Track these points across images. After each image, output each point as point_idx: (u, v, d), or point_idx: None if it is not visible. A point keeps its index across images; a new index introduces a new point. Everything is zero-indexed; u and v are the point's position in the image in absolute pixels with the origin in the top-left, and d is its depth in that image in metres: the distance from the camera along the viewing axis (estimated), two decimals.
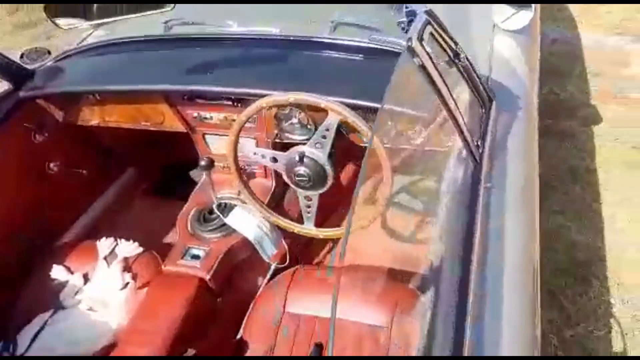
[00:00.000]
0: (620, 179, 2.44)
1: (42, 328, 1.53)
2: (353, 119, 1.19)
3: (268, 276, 1.67)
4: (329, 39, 1.59)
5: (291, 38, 1.63)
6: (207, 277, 1.50)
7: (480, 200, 1.08)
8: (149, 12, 1.30)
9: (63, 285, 1.66)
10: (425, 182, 1.88)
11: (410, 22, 0.91)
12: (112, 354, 1.37)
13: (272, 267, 1.69)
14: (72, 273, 1.68)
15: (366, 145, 1.55)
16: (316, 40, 1.60)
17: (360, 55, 1.53)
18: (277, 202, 1.78)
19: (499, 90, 1.40)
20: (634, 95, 2.96)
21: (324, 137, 1.27)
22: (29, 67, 1.79)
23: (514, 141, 1.30)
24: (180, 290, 1.47)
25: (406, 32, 0.92)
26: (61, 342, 1.48)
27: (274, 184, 1.77)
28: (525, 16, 1.65)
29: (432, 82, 0.93)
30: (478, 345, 0.91)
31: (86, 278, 1.68)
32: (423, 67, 0.88)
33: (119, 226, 2.06)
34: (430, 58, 0.90)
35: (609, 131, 2.72)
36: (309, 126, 1.54)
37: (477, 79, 1.26)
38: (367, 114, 1.31)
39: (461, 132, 1.08)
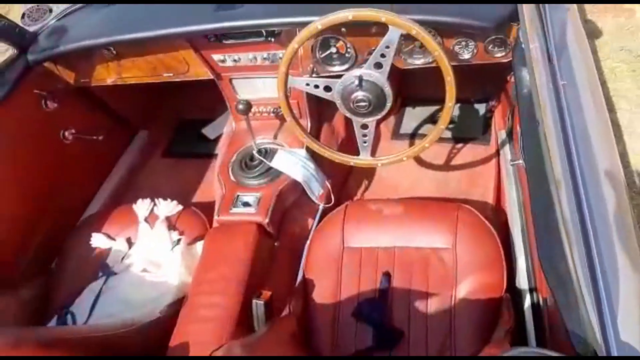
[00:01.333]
0: (632, 86, 2.46)
1: (97, 296, 1.48)
2: (418, 30, 1.14)
3: (318, 217, 1.64)
4: None
5: None
6: (265, 222, 1.46)
7: (562, 97, 1.06)
8: None
9: (107, 252, 1.60)
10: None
11: None
12: (183, 307, 1.32)
13: (321, 208, 1.65)
14: (113, 239, 1.62)
15: (408, 67, 1.50)
16: None
17: None
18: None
19: None
20: (629, 5, 2.96)
21: (383, 55, 1.21)
22: (31, 28, 1.66)
23: (570, 41, 1.28)
24: (240, 236, 1.43)
25: None
26: (120, 306, 1.44)
27: (309, 123, 1.71)
28: None
29: None
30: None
31: (130, 242, 1.63)
32: None
33: (143, 190, 1.99)
34: None
35: (612, 42, 2.72)
36: (347, 54, 1.48)
37: None
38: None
39: (542, 31, 1.05)
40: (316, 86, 1.31)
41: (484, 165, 1.89)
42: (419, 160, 1.97)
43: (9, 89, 1.58)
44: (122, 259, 1.58)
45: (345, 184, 1.93)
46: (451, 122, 2.04)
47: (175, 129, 2.31)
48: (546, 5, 1.31)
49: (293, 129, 1.43)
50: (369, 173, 1.96)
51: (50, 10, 1.68)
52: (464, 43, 1.41)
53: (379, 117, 1.32)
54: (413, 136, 2.08)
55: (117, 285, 1.50)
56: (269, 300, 1.28)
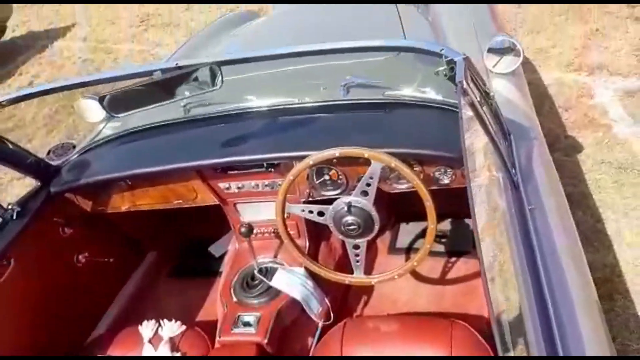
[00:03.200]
0: (616, 197, 2.59)
1: None
2: (396, 163, 1.29)
3: (317, 335, 1.69)
4: (346, 100, 1.72)
5: (310, 104, 1.75)
6: (265, 342, 1.51)
7: (529, 222, 1.17)
8: (196, 93, 1.39)
9: None
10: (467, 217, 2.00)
11: (452, 69, 1.03)
12: None
13: (320, 325, 1.71)
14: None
15: (395, 191, 1.64)
16: (334, 104, 1.73)
17: (378, 111, 1.66)
18: (313, 259, 1.83)
19: (510, 125, 1.53)
20: (605, 121, 3.20)
21: (368, 184, 1.36)
22: (54, 162, 1.85)
23: (537, 167, 1.42)
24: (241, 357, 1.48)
25: (448, 78, 1.05)
26: None
27: (307, 243, 1.82)
28: (513, 61, 1.83)
29: (479, 118, 1.04)
30: None
31: None
32: (472, 105, 1.00)
33: (149, 311, 2.05)
34: (476, 97, 1.02)
35: (593, 156, 2.91)
36: (339, 181, 1.63)
37: (501, 115, 1.39)
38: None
39: (504, 163, 1.19)
40: (310, 212, 1.45)
41: (477, 279, 1.96)
42: (415, 275, 2.05)
43: (30, 219, 1.73)
44: None
45: (346, 298, 1.99)
46: (443, 236, 2.16)
47: (183, 248, 2.43)
48: (512, 136, 1.49)
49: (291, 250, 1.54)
50: (367, 288, 2.03)
51: (74, 147, 1.89)
52: (442, 170, 1.56)
53: (369, 238, 1.44)
54: (408, 250, 2.18)
55: None
56: None
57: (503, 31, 2.20)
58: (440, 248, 2.11)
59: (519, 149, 1.46)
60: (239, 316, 1.60)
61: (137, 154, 1.82)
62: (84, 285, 1.93)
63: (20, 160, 1.71)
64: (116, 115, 1.39)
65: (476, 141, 1.26)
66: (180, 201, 1.82)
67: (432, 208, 1.33)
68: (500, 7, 3.17)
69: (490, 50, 1.81)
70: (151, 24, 6.04)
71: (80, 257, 1.93)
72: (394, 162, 1.30)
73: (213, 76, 1.30)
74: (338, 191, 1.63)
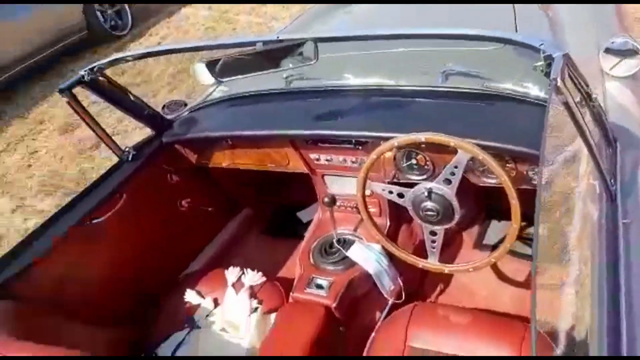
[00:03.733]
0: None
1: (179, 345, 1.70)
2: (484, 156, 1.30)
3: (386, 311, 1.75)
4: (444, 87, 1.73)
5: (405, 88, 1.79)
6: (333, 305, 1.61)
7: (620, 237, 1.13)
8: (293, 67, 1.49)
9: (195, 308, 1.83)
10: (556, 223, 1.94)
11: (549, 64, 1.02)
12: None
13: (390, 303, 1.76)
14: (203, 297, 1.86)
15: (485, 185, 1.64)
16: (431, 89, 1.75)
17: (476, 101, 1.66)
18: (392, 239, 1.88)
19: (618, 132, 1.46)
20: None
21: (453, 174, 1.38)
22: (168, 116, 2.07)
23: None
24: (309, 316, 1.59)
25: (545, 74, 1.04)
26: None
27: (388, 222, 1.88)
28: (632, 64, 1.72)
29: (575, 120, 1.02)
30: None
31: (216, 302, 1.84)
32: (567, 105, 0.98)
33: (237, 259, 2.24)
34: (572, 96, 1.00)
35: None
36: (426, 166, 1.66)
37: (606, 121, 1.34)
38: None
39: (600, 171, 1.15)
40: (390, 192, 1.51)
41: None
42: (498, 273, 2.03)
43: (143, 162, 1.96)
44: (207, 316, 1.80)
45: (422, 283, 2.03)
46: (530, 239, 2.10)
47: (276, 210, 2.60)
48: (617, 144, 1.42)
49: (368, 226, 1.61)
50: (446, 277, 2.05)
51: (185, 104, 2.10)
52: (537, 169, 1.53)
53: (447, 226, 1.47)
54: (494, 248, 2.15)
55: (198, 339, 1.71)
56: None
57: (628, 33, 2.05)
58: (527, 250, 2.06)
59: (625, 159, 1.39)
60: (313, 278, 1.71)
61: (239, 117, 1.98)
62: (183, 228, 2.15)
63: (139, 111, 1.94)
64: (220, 80, 1.53)
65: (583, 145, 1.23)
66: (274, 165, 1.96)
67: (517, 207, 1.32)
68: (629, 8, 2.90)
69: (608, 51, 1.72)
70: None
71: (183, 202, 2.16)
72: (482, 155, 1.31)
73: (309, 51, 1.38)
74: (424, 177, 1.66)
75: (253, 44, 1.43)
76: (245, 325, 1.72)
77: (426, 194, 1.42)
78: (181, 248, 2.14)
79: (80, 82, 1.66)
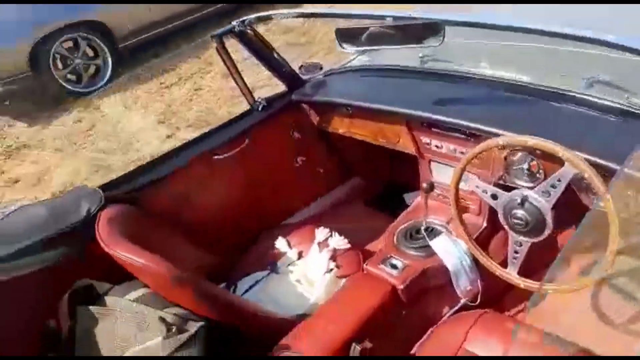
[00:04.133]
0: None
1: (256, 283, 1.85)
2: (591, 174, 1.18)
3: (455, 308, 1.70)
4: (579, 93, 1.58)
5: (539, 87, 1.66)
6: (400, 287, 1.61)
7: None
8: (415, 45, 1.49)
9: (282, 255, 1.97)
10: None
11: None
12: (296, 328, 1.55)
13: (462, 302, 1.71)
14: (290, 248, 1.99)
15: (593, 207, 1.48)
16: (563, 93, 1.61)
17: (612, 116, 1.49)
18: (483, 242, 1.80)
19: None
20: None
21: (554, 186, 1.28)
22: (303, 76, 2.19)
23: None
24: (374, 290, 1.62)
25: None
26: (267, 300, 1.76)
27: (485, 224, 1.80)
28: None
29: None
30: None
31: (300, 255, 1.96)
32: None
33: (332, 222, 2.32)
34: None
35: None
36: (537, 174, 1.54)
37: None
38: (604, 176, 1.27)
39: None
40: (485, 191, 1.44)
41: None
42: (593, 303, 1.83)
43: (271, 114, 2.12)
44: (289, 265, 1.93)
45: (504, 294, 1.92)
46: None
47: (383, 186, 2.62)
48: None
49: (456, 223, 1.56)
50: (534, 294, 1.91)
51: (321, 68, 2.19)
52: None
53: (534, 240, 1.37)
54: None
55: (272, 282, 1.85)
56: (366, 352, 1.43)
57: None
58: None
59: None
60: (390, 257, 1.72)
61: (364, 88, 2.03)
62: (293, 181, 2.29)
63: (279, 67, 2.09)
64: (344, 48, 1.58)
65: None
66: (385, 141, 1.98)
67: (616, 233, 1.19)
68: None
69: None
70: None
71: (299, 158, 2.29)
72: (588, 172, 1.19)
73: (436, 33, 1.36)
74: (531, 184, 1.55)
75: (383, 17, 1.46)
76: (319, 282, 1.81)
77: (519, 201, 1.33)
78: (287, 199, 2.28)
79: (231, 31, 1.85)
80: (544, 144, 1.25)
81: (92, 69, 5.24)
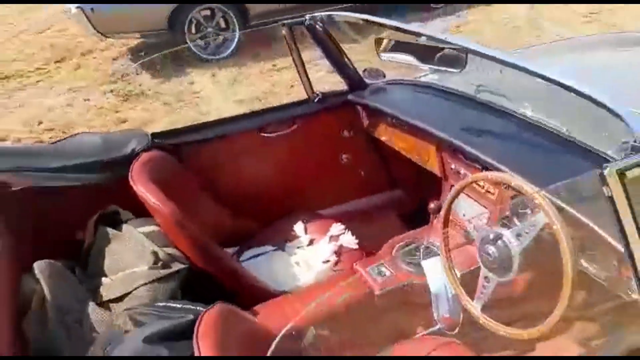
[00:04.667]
0: None
1: (261, 254, 2.01)
2: (559, 228, 1.16)
3: (428, 331, 1.72)
4: (610, 155, 1.51)
5: (573, 140, 1.62)
6: (377, 293, 1.68)
7: None
8: (437, 67, 1.53)
9: (294, 237, 2.11)
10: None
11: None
12: (272, 299, 1.68)
13: (437, 327, 1.72)
14: (305, 233, 2.12)
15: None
16: (597, 152, 1.55)
17: None
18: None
19: None
20: None
21: (527, 232, 1.27)
22: (365, 79, 2.30)
23: None
24: (353, 288, 1.70)
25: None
26: (264, 271, 1.91)
27: None
28: None
29: (618, 218, 0.87)
30: None
31: (311, 242, 2.09)
32: (611, 200, 0.85)
33: (357, 225, 2.40)
34: (627, 195, 0.85)
35: None
36: None
37: None
38: None
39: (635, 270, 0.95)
40: (469, 221, 1.46)
41: None
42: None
43: (326, 107, 2.25)
44: (297, 247, 2.07)
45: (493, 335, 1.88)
46: None
47: (421, 203, 2.62)
48: None
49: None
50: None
51: (384, 75, 2.28)
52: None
53: (500, 279, 1.36)
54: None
55: (276, 259, 2.00)
56: (321, 339, 1.52)
57: None
58: None
59: None
60: (382, 263, 1.79)
61: (412, 102, 2.09)
62: (333, 177, 2.40)
63: (343, 67, 2.22)
64: (381, 57, 1.67)
65: None
66: (417, 158, 2.03)
67: (566, 295, 1.17)
68: None
69: None
70: None
71: (344, 156, 2.41)
72: (557, 225, 1.17)
73: (459, 60, 1.41)
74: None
75: (419, 35, 1.53)
76: (314, 269, 1.93)
77: (492, 237, 1.34)
78: (321, 191, 2.41)
79: (301, 23, 2.01)
80: (521, 184, 1.25)
81: (219, 39, 5.75)
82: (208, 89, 5.00)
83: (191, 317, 1.15)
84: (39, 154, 1.70)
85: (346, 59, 2.22)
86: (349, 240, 2.04)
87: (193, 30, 5.58)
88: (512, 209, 1.58)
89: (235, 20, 5.72)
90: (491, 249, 1.35)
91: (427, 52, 1.53)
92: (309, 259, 1.99)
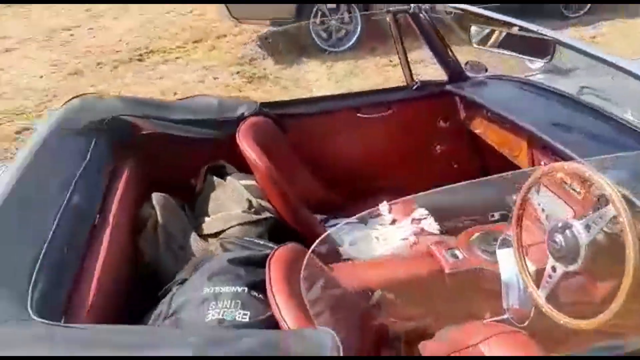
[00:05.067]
0: None
1: (345, 224, 2.16)
2: (625, 220, 1.16)
3: (496, 319, 1.74)
4: None
5: None
6: (447, 271, 1.74)
7: None
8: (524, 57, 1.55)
9: (379, 214, 2.22)
10: None
11: None
12: (347, 262, 1.81)
13: (505, 316, 1.74)
14: (389, 213, 2.23)
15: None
16: None
17: None
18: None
19: None
20: None
21: (596, 223, 1.27)
22: (466, 72, 2.34)
23: None
24: (425, 264, 1.79)
25: None
26: (346, 240, 2.06)
27: None
28: None
29: None
30: None
31: (394, 222, 2.19)
32: None
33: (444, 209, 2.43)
34: None
35: None
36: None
37: None
38: None
39: None
40: (543, 209, 1.47)
41: None
42: None
43: (426, 95, 2.34)
44: (379, 224, 2.18)
45: (572, 334, 1.85)
46: None
47: None
48: None
49: None
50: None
51: (486, 70, 2.30)
52: None
53: (566, 269, 1.37)
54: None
55: (357, 230, 2.13)
56: (385, 301, 1.62)
57: None
58: None
59: None
60: (456, 247, 1.84)
61: (510, 98, 2.13)
62: (424, 165, 2.47)
63: (444, 57, 2.28)
64: (475, 45, 1.72)
65: None
66: (507, 152, 2.04)
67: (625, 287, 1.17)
68: None
69: None
70: None
71: (438, 147, 2.47)
72: (623, 217, 1.17)
73: (547, 50, 1.43)
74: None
75: (512, 25, 1.57)
76: (391, 244, 2.03)
77: (560, 226, 1.35)
78: (410, 176, 2.46)
79: (405, 11, 2.13)
80: (594, 176, 1.26)
81: (342, 32, 5.99)
82: (324, 78, 5.26)
83: (269, 251, 1.33)
84: (166, 107, 1.99)
85: (449, 50, 2.28)
86: (431, 225, 2.11)
87: (317, 22, 5.88)
88: (596, 205, 1.56)
89: (359, 15, 5.92)
90: (559, 237, 1.37)
91: (517, 42, 1.56)
92: (388, 235, 2.10)
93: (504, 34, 1.62)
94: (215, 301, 1.23)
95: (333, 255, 1.82)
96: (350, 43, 5.96)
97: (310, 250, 1.18)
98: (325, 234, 1.55)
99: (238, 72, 5.39)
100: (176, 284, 1.38)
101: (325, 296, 1.26)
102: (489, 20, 1.72)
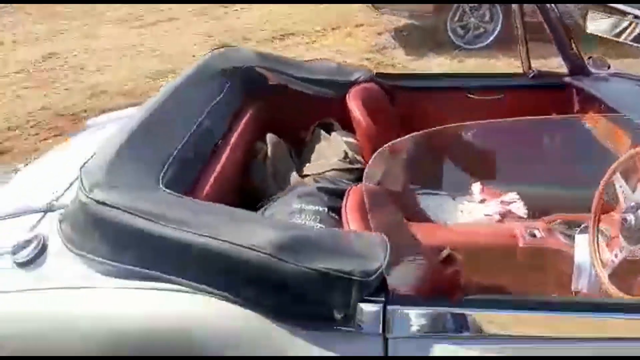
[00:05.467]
0: None
1: (433, 195, 2.29)
2: None
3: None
4: None
5: None
6: (520, 245, 1.80)
7: None
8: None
9: (469, 192, 2.30)
10: None
11: None
12: (424, 224, 1.94)
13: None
14: (479, 193, 2.30)
15: None
16: None
17: None
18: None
19: None
20: None
21: None
22: (590, 68, 2.31)
23: None
24: (500, 235, 1.86)
25: None
26: (431, 208, 2.19)
27: None
28: None
29: None
30: None
31: (482, 201, 2.26)
32: None
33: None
34: None
35: None
36: None
37: None
38: None
39: None
40: (623, 191, 1.48)
41: None
42: None
43: (541, 85, 2.35)
44: (467, 201, 2.26)
45: None
46: None
47: None
48: None
49: None
50: None
51: (609, 67, 2.26)
52: None
53: (631, 247, 1.39)
54: None
55: (444, 201, 2.24)
56: (449, 259, 1.73)
57: None
58: None
59: None
60: (536, 229, 1.87)
61: (629, 95, 2.06)
62: (523, 154, 2.47)
63: (567, 51, 2.27)
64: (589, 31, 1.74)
65: None
66: (612, 146, 2.00)
67: None
68: None
69: None
70: None
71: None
72: None
73: None
74: None
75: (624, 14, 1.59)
76: (475, 218, 2.12)
77: (634, 204, 1.37)
78: (508, 163, 2.49)
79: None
80: None
81: (480, 30, 5.92)
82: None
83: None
84: (292, 65, 2.28)
85: (573, 44, 2.27)
86: (519, 209, 2.16)
87: (456, 18, 5.88)
88: None
89: (501, 14, 5.80)
90: (630, 217, 1.39)
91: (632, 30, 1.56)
92: (474, 210, 2.19)
93: (624, 22, 1.61)
94: (300, 214, 1.48)
95: (412, 211, 1.97)
96: (488, 41, 5.88)
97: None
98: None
99: (368, 59, 5.63)
100: (272, 201, 1.66)
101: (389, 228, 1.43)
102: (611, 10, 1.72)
